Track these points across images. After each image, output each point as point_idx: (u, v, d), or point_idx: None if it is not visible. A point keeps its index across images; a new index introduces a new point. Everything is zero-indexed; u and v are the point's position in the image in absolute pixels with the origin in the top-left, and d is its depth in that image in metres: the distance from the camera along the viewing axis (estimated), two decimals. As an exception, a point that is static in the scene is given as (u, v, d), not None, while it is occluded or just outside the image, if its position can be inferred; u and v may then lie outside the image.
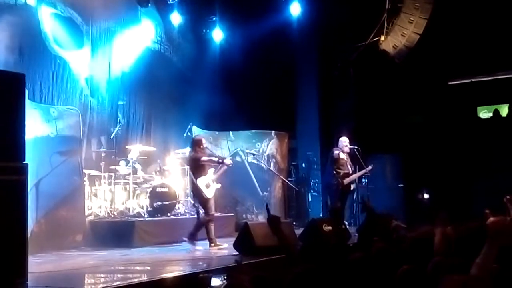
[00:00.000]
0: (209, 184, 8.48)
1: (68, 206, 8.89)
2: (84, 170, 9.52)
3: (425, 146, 13.54)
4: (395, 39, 13.04)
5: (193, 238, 8.47)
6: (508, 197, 6.04)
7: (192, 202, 8.64)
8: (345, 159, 10.36)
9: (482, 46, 13.47)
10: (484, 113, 14.71)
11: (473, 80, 14.58)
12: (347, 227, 9.43)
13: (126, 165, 10.12)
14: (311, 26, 13.43)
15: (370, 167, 10.47)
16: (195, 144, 8.69)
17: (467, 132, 13.80)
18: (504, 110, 14.13)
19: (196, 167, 8.55)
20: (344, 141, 10.46)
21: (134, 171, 10.06)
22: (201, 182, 8.41)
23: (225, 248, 8.30)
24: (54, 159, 8.76)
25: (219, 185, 8.74)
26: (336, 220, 8.41)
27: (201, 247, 8.49)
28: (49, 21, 10.13)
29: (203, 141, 8.72)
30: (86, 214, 9.40)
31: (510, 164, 12.70)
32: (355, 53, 13.63)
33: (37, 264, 6.71)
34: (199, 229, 8.53)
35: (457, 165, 13.28)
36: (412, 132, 13.80)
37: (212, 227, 8.48)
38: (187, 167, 10.93)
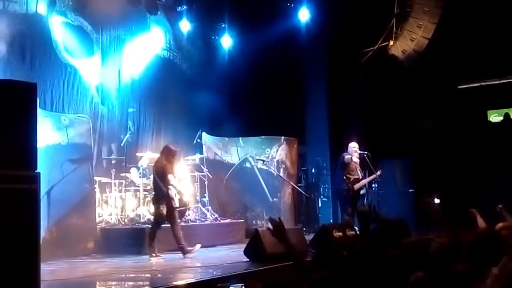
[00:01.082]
0: (177, 193, 8.57)
1: (79, 213, 8.92)
2: (95, 178, 9.56)
3: (435, 151, 13.49)
4: (404, 43, 13.02)
5: (182, 251, 8.46)
6: (500, 206, 6.08)
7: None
8: (355, 164, 10.33)
9: (491, 49, 13.42)
10: (495, 117, 14.63)
11: (483, 83, 14.51)
12: (358, 233, 9.38)
13: (137, 172, 10.16)
14: (320, 32, 13.44)
15: (379, 172, 10.42)
16: (166, 152, 8.74)
17: (477, 136, 13.73)
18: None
19: (164, 175, 8.54)
20: (353, 146, 10.43)
21: (144, 178, 10.09)
22: (171, 191, 8.45)
23: (162, 258, 8.30)
24: (65, 166, 8.80)
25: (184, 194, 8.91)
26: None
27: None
28: (59, 30, 10.22)
29: (172, 152, 8.74)
30: (97, 221, 9.44)
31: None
32: (364, 58, 13.61)
33: (49, 272, 6.73)
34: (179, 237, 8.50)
35: (468, 169, 13.22)
36: (422, 136, 13.75)
37: (180, 235, 8.49)
38: (197, 173, 10.97)
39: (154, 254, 8.35)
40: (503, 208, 6.17)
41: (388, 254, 3.63)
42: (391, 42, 13.18)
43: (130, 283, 6.32)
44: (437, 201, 13.79)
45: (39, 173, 5.63)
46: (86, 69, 10.66)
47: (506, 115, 14.12)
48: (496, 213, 7.24)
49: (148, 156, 10.37)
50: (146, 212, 9.94)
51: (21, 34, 9.45)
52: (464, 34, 13.33)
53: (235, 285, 4.85)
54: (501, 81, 14.28)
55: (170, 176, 8.44)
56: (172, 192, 8.42)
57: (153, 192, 8.85)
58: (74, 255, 8.53)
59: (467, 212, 5.85)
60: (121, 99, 11.34)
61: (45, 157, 7.76)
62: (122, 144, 10.47)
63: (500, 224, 4.69)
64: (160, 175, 8.50)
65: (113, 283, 6.49)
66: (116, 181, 9.91)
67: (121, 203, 9.93)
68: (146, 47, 11.82)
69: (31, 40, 9.66)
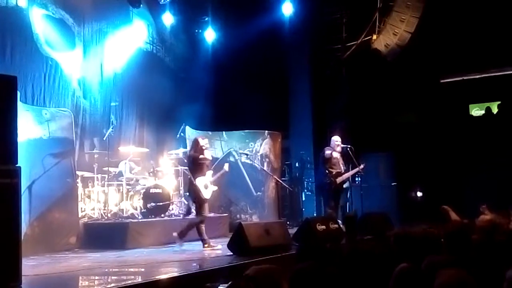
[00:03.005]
0: (207, 185, 8.47)
1: (61, 208, 8.84)
2: (77, 172, 9.48)
3: (418, 144, 13.59)
4: (387, 38, 13.08)
5: (182, 235, 8.49)
6: (483, 206, 6.25)
7: (186, 202, 8.60)
8: (337, 158, 10.36)
9: (473, 43, 13.54)
10: (476, 111, 14.78)
11: (465, 78, 14.65)
12: (341, 226, 9.43)
13: (120, 166, 10.11)
14: (303, 26, 13.45)
15: (362, 166, 10.48)
16: (194, 143, 8.71)
17: (460, 129, 13.87)
18: (494, 108, 14.22)
19: (195, 166, 8.51)
20: (336, 140, 10.48)
21: (128, 172, 10.04)
22: (199, 182, 8.38)
23: (218, 249, 8.29)
24: (47, 161, 8.71)
25: (216, 188, 8.74)
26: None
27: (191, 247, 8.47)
28: (40, 23, 10.09)
29: (200, 140, 8.67)
30: (79, 216, 9.35)
31: (502, 161, 12.78)
32: (347, 52, 13.65)
33: (31, 267, 6.67)
34: (191, 228, 8.52)
35: (450, 163, 13.34)
36: (405, 130, 13.85)
37: (203, 228, 8.47)
38: (180, 167, 10.94)
39: (206, 245, 8.32)
40: (485, 208, 6.35)
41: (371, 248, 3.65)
42: (374, 36, 13.23)
43: (113, 277, 6.27)
44: (419, 194, 14.03)
45: (19, 167, 5.57)
46: (68, 62, 10.54)
47: (488, 109, 14.27)
48: (476, 207, 7.38)
49: (131, 150, 10.31)
50: (130, 206, 9.90)
51: (1, 27, 9.32)
52: (446, 28, 13.42)
53: (223, 285, 4.82)
54: (483, 75, 14.42)
55: (200, 167, 8.42)
56: (201, 183, 8.36)
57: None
58: (56, 250, 8.45)
59: (439, 208, 5.98)
60: (104, 93, 11.24)
61: (26, 151, 7.69)
62: (104, 138, 10.39)
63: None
64: (190, 166, 8.57)
65: (96, 277, 6.44)
66: (99, 175, 9.84)
67: (104, 197, 9.86)
68: (129, 40, 11.72)
69: (12, 33, 9.53)
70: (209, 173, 8.65)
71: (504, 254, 3.34)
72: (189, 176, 8.61)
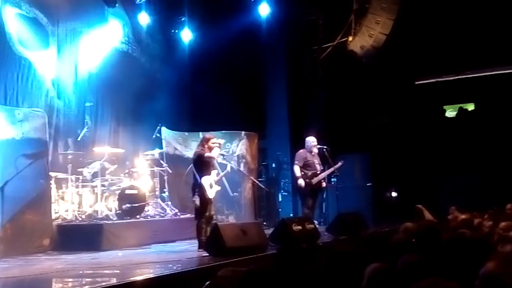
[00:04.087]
0: (212, 184, 8.23)
1: (34, 209, 8.71)
2: (51, 173, 9.36)
3: (393, 145, 13.73)
4: (363, 39, 13.18)
5: (201, 244, 8.06)
6: (453, 207, 6.41)
7: (193, 199, 8.24)
8: (312, 160, 10.37)
9: (447, 46, 13.73)
10: (451, 112, 14.99)
11: (439, 79, 14.84)
12: (317, 226, 9.47)
13: (95, 167, 10.00)
14: (280, 27, 13.48)
15: (340, 164, 10.50)
16: (203, 141, 8.45)
17: (434, 130, 14.06)
18: (470, 107, 14.47)
19: (201, 164, 8.26)
20: (312, 141, 10.51)
21: (102, 174, 9.95)
22: (205, 181, 8.14)
23: None
24: (20, 162, 8.58)
25: (219, 188, 8.57)
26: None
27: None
28: (13, 22, 9.94)
29: (209, 137, 8.43)
30: (53, 217, 9.23)
31: (474, 162, 13.00)
32: (324, 53, 13.72)
33: (3, 269, 6.59)
34: (201, 231, 8.17)
35: (425, 164, 13.51)
36: (380, 131, 13.97)
37: (204, 229, 8.16)
38: (156, 168, 10.87)
39: (202, 249, 7.94)
40: (455, 209, 6.54)
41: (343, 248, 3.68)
42: (350, 38, 13.32)
43: (87, 279, 6.20)
44: (394, 194, 14.16)
45: (-10, 168, 5.48)
46: (41, 62, 10.39)
47: (460, 109, 14.49)
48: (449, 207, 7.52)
49: (106, 151, 10.21)
50: (104, 208, 9.80)
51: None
52: (421, 30, 13.59)
53: None
54: (457, 77, 14.64)
55: (206, 166, 8.18)
56: (206, 182, 8.13)
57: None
58: (30, 252, 8.32)
59: (414, 207, 6.08)
60: (78, 93, 11.11)
61: (-2, 152, 7.57)
62: (79, 139, 10.28)
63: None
64: (196, 165, 8.28)
65: (70, 280, 6.36)
66: (73, 176, 9.72)
67: (78, 199, 9.75)
68: (104, 40, 11.60)
69: (-17, 32, 9.39)
70: (214, 172, 8.42)
71: (476, 253, 3.39)
72: (193, 174, 8.33)
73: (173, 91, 12.38)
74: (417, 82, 15.00)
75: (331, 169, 10.54)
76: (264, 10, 13.00)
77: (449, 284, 2.57)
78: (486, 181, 12.43)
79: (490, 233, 4.73)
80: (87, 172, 9.96)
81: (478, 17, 13.11)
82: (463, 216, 5.97)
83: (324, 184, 10.73)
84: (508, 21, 12.82)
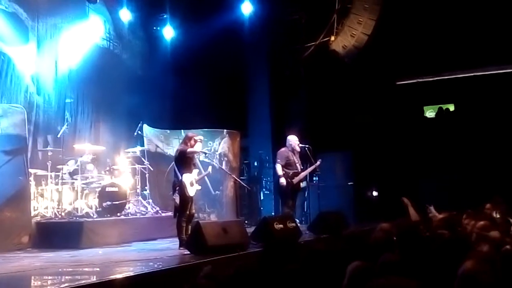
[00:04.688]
0: (192, 182, 8.20)
1: (13, 206, 8.61)
2: (30, 170, 9.24)
3: (374, 145, 13.83)
4: (345, 39, 13.22)
5: (182, 242, 8.06)
6: (430, 207, 6.50)
7: (173, 197, 8.21)
8: (293, 159, 10.34)
9: (428, 47, 13.87)
10: (430, 112, 15.16)
11: (419, 80, 14.99)
12: (298, 225, 9.49)
13: (75, 164, 9.91)
14: (262, 25, 13.49)
15: (318, 162, 10.48)
16: (185, 138, 8.45)
17: (414, 130, 14.20)
18: (450, 107, 14.65)
19: (183, 161, 8.21)
20: (294, 139, 10.48)
21: (83, 171, 9.86)
22: (186, 178, 8.10)
23: None
24: (-2, 158, 8.49)
25: (200, 187, 8.55)
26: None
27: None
28: (-8, 17, 9.80)
29: (195, 137, 8.40)
30: (32, 215, 9.13)
31: (454, 162, 13.15)
32: (306, 53, 13.75)
33: (-20, 267, 6.48)
34: (181, 228, 8.16)
35: (405, 163, 13.63)
36: (362, 130, 14.06)
37: (185, 227, 8.15)
38: (137, 166, 10.80)
39: (182, 247, 7.92)
40: (432, 208, 6.65)
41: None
42: (332, 38, 13.35)
43: (66, 277, 6.14)
44: (375, 193, 14.25)
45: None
46: (21, 58, 10.25)
47: (440, 110, 14.66)
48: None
49: (86, 148, 10.12)
50: (84, 205, 9.72)
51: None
52: (402, 31, 13.71)
53: None
54: (436, 78, 14.80)
55: (188, 163, 8.15)
56: (187, 180, 8.08)
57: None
58: (8, 250, 8.22)
59: (400, 201, 6.12)
60: (58, 89, 11.00)
61: (-24, 148, 7.46)
62: (58, 136, 10.17)
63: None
64: (177, 162, 8.23)
65: (49, 277, 6.29)
66: (53, 173, 9.62)
67: (58, 196, 9.65)
68: (85, 36, 11.48)
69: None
70: (196, 171, 8.41)
71: (455, 252, 3.42)
72: (174, 172, 8.30)
73: (155, 88, 12.31)
74: (398, 83, 15.14)
75: (310, 168, 10.53)
76: (246, 9, 13.00)
77: (406, 282, 2.60)
78: (466, 180, 12.57)
79: (469, 232, 4.78)
80: (66, 169, 9.86)
81: (458, 19, 13.26)
82: (440, 215, 6.03)
83: (302, 185, 10.73)
84: (487, 24, 13.00)
